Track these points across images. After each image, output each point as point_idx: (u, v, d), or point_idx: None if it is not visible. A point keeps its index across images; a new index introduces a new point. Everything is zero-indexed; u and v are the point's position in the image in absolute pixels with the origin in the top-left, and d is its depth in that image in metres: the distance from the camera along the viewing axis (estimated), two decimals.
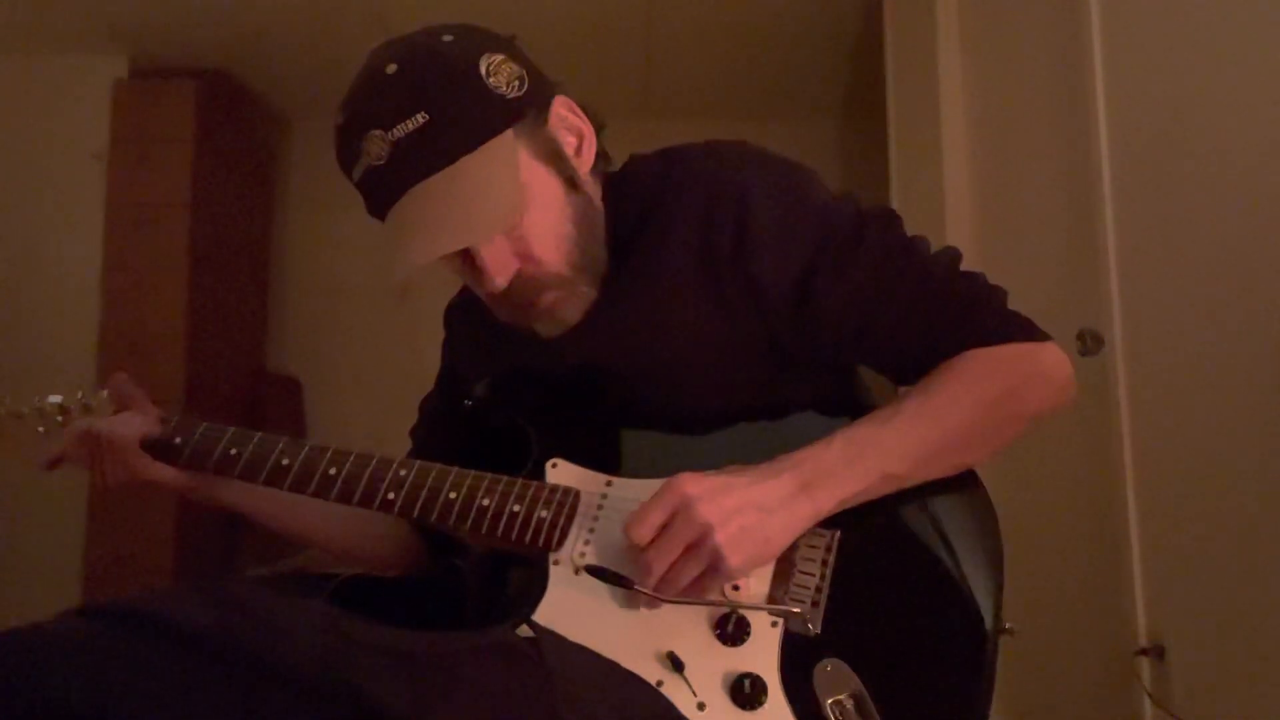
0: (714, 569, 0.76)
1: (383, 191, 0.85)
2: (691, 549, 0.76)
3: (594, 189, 0.95)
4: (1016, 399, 0.86)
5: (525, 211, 0.85)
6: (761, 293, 0.90)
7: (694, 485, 0.76)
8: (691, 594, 0.78)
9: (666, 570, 0.77)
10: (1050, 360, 0.89)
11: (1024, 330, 0.89)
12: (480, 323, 1.03)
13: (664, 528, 0.77)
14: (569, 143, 0.92)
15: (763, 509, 0.77)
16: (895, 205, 2.74)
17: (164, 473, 0.99)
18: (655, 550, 0.76)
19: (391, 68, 0.84)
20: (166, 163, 3.36)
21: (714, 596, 0.79)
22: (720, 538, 0.75)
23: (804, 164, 0.95)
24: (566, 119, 0.92)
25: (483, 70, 0.85)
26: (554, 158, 0.90)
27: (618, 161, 1.00)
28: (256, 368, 3.87)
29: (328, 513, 1.07)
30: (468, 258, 0.87)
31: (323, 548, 1.11)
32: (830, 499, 0.79)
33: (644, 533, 0.77)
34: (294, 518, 1.07)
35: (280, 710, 0.62)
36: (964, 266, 0.93)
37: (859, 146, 3.79)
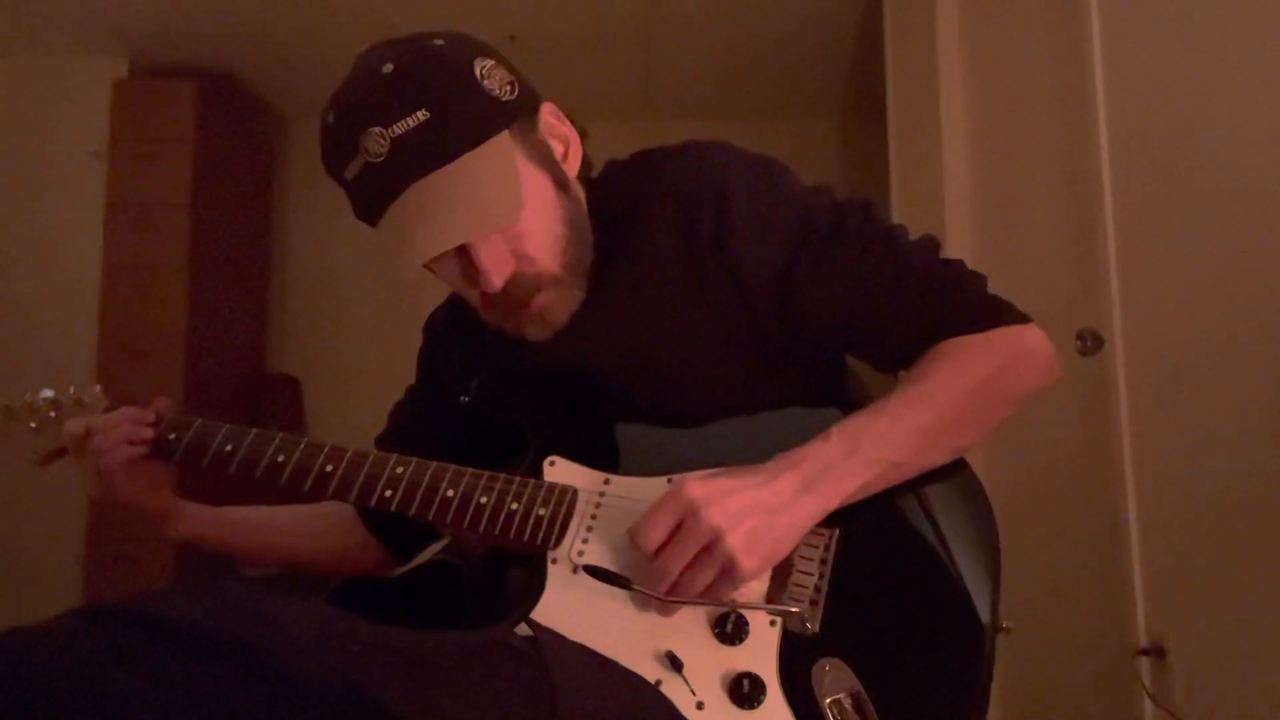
0: (727, 573, 0.76)
1: (381, 188, 0.84)
2: (704, 553, 0.76)
3: (579, 194, 0.96)
4: (1004, 381, 0.87)
5: (523, 210, 0.86)
6: (743, 283, 0.91)
7: (700, 489, 0.76)
8: (698, 597, 0.78)
9: (679, 576, 0.77)
10: (1032, 342, 0.90)
11: (1005, 314, 0.91)
12: (466, 331, 1.03)
13: (673, 533, 0.76)
14: (556, 149, 0.93)
15: (769, 510, 0.76)
16: (895, 205, 2.74)
17: (152, 491, 1.02)
18: (668, 556, 0.76)
19: (388, 67, 0.84)
20: (166, 163, 3.36)
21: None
22: (731, 541, 0.74)
23: (778, 159, 0.97)
24: (553, 126, 0.94)
25: (477, 73, 0.86)
26: (545, 160, 0.91)
27: (596, 167, 1.01)
28: (256, 368, 3.86)
29: (295, 528, 1.13)
30: (464, 260, 0.87)
31: (289, 560, 1.15)
32: (834, 495, 0.79)
33: (653, 538, 0.76)
34: (262, 543, 1.13)
35: (280, 710, 0.62)
36: (945, 255, 0.94)
37: (859, 146, 3.79)
